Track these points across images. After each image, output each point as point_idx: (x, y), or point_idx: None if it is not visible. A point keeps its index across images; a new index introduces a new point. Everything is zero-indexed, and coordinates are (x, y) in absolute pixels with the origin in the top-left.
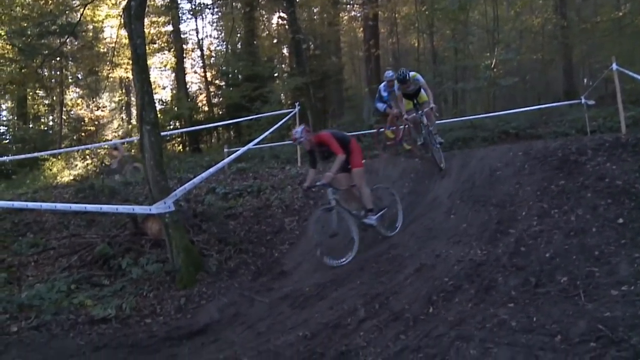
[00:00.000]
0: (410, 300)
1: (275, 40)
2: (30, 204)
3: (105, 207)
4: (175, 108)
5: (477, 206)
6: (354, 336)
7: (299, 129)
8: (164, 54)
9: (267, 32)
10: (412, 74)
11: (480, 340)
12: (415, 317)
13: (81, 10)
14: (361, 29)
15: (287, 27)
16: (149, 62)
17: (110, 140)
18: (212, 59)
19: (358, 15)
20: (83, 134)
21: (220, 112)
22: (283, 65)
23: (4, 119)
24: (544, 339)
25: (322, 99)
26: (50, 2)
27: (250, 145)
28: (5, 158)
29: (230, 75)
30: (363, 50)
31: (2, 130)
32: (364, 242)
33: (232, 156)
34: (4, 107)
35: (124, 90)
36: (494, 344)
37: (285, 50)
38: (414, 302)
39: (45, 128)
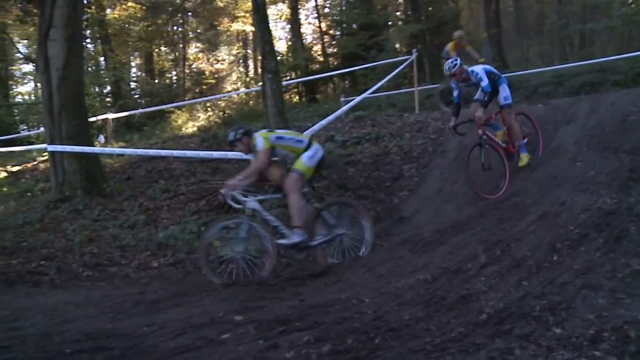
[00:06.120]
0: (533, 248)
1: None
2: (163, 152)
3: (231, 154)
4: (291, 59)
5: (606, 153)
6: (474, 281)
7: None
8: (279, 5)
9: None
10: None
11: (609, 290)
12: (539, 265)
13: None
14: None
15: None
16: None
17: (230, 91)
18: (326, 8)
19: None
20: (204, 86)
21: (336, 62)
22: (398, 13)
23: (134, 75)
24: None
25: (438, 45)
26: None
27: (366, 94)
28: (136, 111)
29: (344, 25)
30: None
31: (132, 86)
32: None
33: (349, 104)
34: (133, 64)
35: (241, 44)
36: (625, 295)
37: None
38: (537, 250)
39: (170, 82)
